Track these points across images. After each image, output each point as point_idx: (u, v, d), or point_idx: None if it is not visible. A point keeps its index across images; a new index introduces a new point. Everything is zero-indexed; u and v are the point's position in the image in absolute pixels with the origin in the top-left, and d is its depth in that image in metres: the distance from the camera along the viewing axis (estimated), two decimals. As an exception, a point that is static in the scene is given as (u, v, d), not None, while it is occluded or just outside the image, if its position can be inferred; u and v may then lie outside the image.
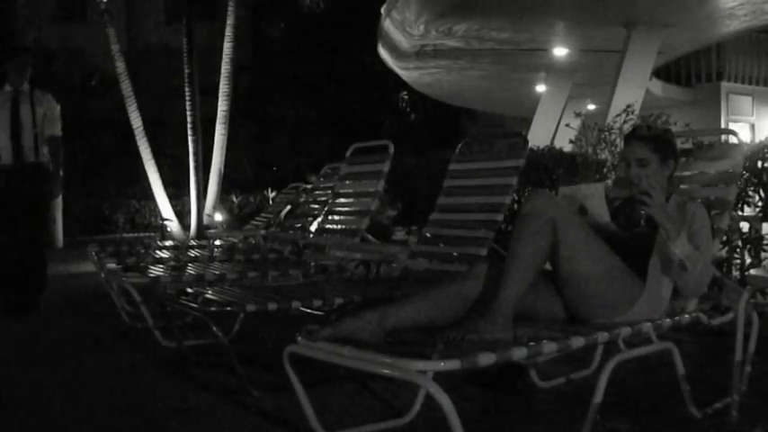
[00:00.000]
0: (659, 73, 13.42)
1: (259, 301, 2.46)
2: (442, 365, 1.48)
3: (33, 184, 4.42)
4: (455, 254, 3.05)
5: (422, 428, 2.19)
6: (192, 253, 4.64)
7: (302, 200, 6.03)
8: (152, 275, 3.30)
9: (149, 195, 11.08)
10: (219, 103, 10.59)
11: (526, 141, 3.15)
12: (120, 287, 3.61)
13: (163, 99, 14.84)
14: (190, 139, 10.13)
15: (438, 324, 1.88)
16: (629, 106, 7.01)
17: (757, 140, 4.14)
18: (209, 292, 2.67)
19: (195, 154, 10.15)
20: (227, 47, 10.62)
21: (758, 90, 14.79)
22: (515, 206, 4.32)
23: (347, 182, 4.01)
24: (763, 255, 3.75)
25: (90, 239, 9.79)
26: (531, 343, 1.66)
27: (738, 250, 3.79)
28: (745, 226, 3.77)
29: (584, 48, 11.72)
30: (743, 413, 2.19)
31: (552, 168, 5.10)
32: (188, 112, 10.11)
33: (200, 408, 2.41)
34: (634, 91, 9.52)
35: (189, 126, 10.12)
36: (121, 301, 3.71)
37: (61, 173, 4.60)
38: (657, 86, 13.21)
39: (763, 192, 3.70)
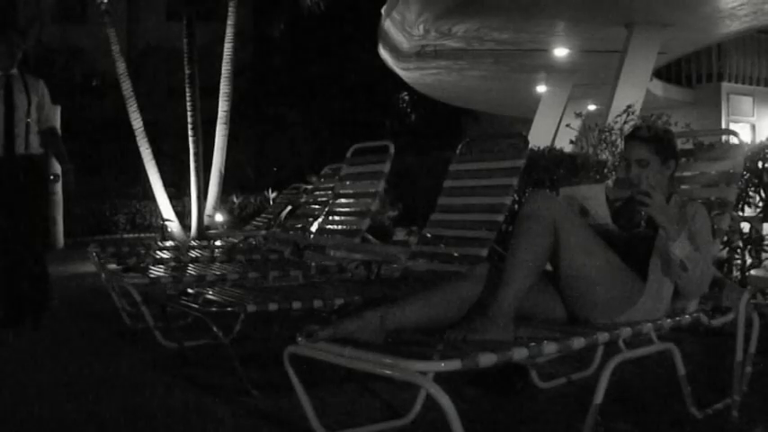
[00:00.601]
0: (660, 73, 13.41)
1: (260, 302, 2.46)
2: (443, 366, 1.49)
3: (26, 179, 3.92)
4: (456, 254, 3.05)
5: (422, 429, 2.20)
6: (193, 253, 4.65)
7: (303, 200, 6.02)
8: (153, 276, 3.31)
9: (150, 196, 11.09)
10: (220, 104, 10.60)
11: (526, 142, 3.15)
12: (120, 288, 3.61)
13: (163, 100, 14.86)
14: (190, 139, 10.15)
15: (439, 325, 1.88)
16: (629, 107, 7.02)
17: (758, 141, 4.14)
18: (210, 292, 2.67)
19: (196, 154, 10.16)
20: (227, 47, 10.63)
21: (759, 90, 14.78)
22: (516, 207, 4.32)
23: (348, 182, 4.01)
24: (763, 255, 3.76)
25: (90, 240, 9.78)
26: (532, 343, 1.66)
27: (739, 251, 3.79)
28: (745, 226, 3.77)
29: (584, 48, 11.72)
30: (743, 413, 2.19)
31: (553, 169, 5.10)
32: (188, 113, 10.13)
33: (200, 408, 2.41)
34: (634, 91, 9.51)
35: (189, 126, 10.13)
36: (122, 302, 3.72)
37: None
38: (658, 87, 13.20)
39: (764, 192, 3.70)
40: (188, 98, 10.07)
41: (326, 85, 18.89)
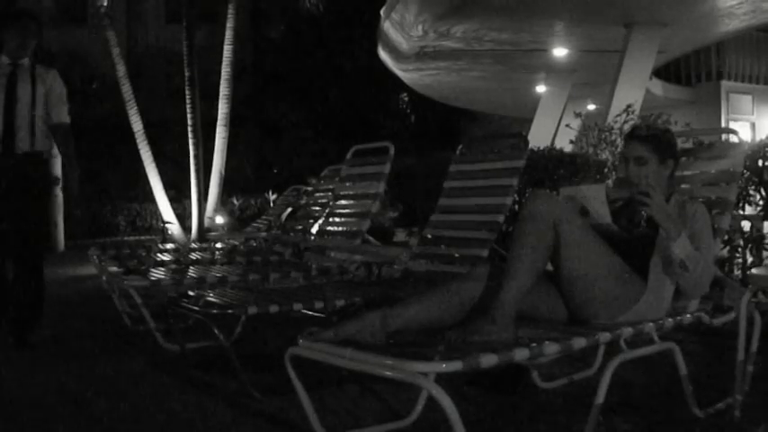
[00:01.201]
0: (659, 72, 13.41)
1: (261, 304, 2.46)
2: (444, 367, 1.48)
3: (26, 180, 3.50)
4: (456, 255, 3.05)
5: (424, 430, 2.19)
6: (194, 256, 4.65)
7: (303, 202, 6.02)
8: (153, 278, 3.31)
9: (150, 198, 11.08)
10: (220, 106, 10.61)
11: (526, 142, 3.16)
12: (121, 290, 3.61)
13: (163, 102, 14.87)
14: (190, 141, 10.14)
15: (440, 325, 1.88)
16: (629, 106, 7.02)
17: (758, 139, 4.14)
18: (211, 294, 2.67)
19: (196, 157, 10.16)
20: (227, 50, 10.64)
21: (758, 89, 14.77)
22: (516, 207, 4.32)
23: (348, 184, 4.01)
24: (764, 254, 3.75)
25: (91, 242, 9.82)
26: (533, 344, 1.66)
27: (740, 250, 3.79)
28: (746, 225, 3.77)
29: (583, 48, 11.71)
30: (745, 413, 2.19)
31: (553, 169, 5.10)
32: (188, 115, 10.13)
33: (201, 410, 2.41)
34: (634, 91, 9.51)
35: (189, 129, 10.13)
36: (123, 304, 3.72)
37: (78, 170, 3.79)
38: (657, 86, 13.20)
39: (764, 191, 3.70)
40: (188, 100, 10.07)
41: (326, 86, 18.90)
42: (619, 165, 2.31)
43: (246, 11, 17.43)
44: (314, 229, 4.50)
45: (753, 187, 3.74)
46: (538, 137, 10.53)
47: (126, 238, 12.60)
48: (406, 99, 19.96)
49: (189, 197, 10.45)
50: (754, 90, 14.74)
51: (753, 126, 14.50)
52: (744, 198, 3.73)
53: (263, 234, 6.67)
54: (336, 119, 18.66)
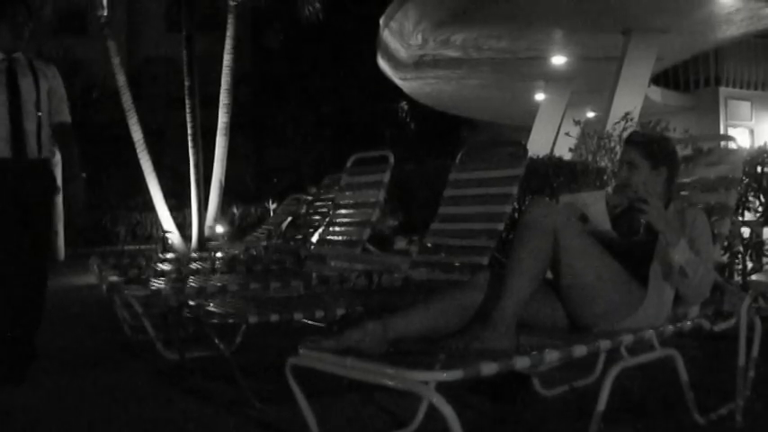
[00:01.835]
0: (658, 79, 13.45)
1: (261, 313, 2.46)
2: (445, 376, 1.48)
3: (36, 190, 3.15)
4: (457, 263, 3.05)
5: (425, 438, 2.19)
6: (194, 265, 4.65)
7: (303, 211, 6.03)
8: (154, 288, 3.30)
9: (150, 207, 11.11)
10: (220, 115, 10.64)
11: (526, 150, 3.16)
12: (121, 299, 3.61)
13: (163, 111, 14.91)
14: (191, 150, 10.17)
15: (440, 334, 1.88)
16: (627, 113, 7.04)
17: (756, 145, 4.15)
18: (211, 304, 2.67)
19: (196, 166, 10.18)
20: (226, 59, 10.68)
21: (757, 95, 14.81)
22: (516, 215, 4.32)
23: (348, 192, 4.01)
24: (764, 260, 3.76)
25: (91, 252, 9.80)
26: (534, 352, 1.66)
27: (739, 255, 3.79)
28: (745, 231, 3.77)
29: (582, 55, 11.76)
30: (747, 418, 2.19)
31: (552, 176, 5.11)
32: (188, 124, 10.16)
33: (202, 420, 2.40)
34: (633, 98, 9.54)
35: (189, 138, 10.16)
36: (123, 314, 3.71)
37: (83, 174, 3.52)
38: (656, 93, 13.24)
39: (764, 197, 3.70)
40: (188, 109, 10.11)
41: (325, 95, 18.95)
42: (618, 171, 2.32)
43: (246, 19, 17.49)
44: (314, 238, 4.51)
45: (752, 193, 3.75)
46: (537, 145, 10.55)
47: (126, 247, 12.58)
48: (406, 108, 20.02)
49: (189, 206, 10.48)
50: (752, 96, 14.79)
51: (751, 132, 14.53)
52: (743, 204, 3.74)
53: (264, 243, 6.67)
54: (336, 128, 18.71)
